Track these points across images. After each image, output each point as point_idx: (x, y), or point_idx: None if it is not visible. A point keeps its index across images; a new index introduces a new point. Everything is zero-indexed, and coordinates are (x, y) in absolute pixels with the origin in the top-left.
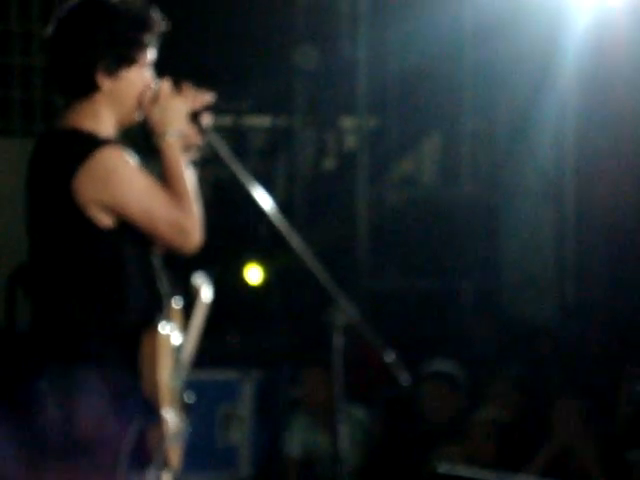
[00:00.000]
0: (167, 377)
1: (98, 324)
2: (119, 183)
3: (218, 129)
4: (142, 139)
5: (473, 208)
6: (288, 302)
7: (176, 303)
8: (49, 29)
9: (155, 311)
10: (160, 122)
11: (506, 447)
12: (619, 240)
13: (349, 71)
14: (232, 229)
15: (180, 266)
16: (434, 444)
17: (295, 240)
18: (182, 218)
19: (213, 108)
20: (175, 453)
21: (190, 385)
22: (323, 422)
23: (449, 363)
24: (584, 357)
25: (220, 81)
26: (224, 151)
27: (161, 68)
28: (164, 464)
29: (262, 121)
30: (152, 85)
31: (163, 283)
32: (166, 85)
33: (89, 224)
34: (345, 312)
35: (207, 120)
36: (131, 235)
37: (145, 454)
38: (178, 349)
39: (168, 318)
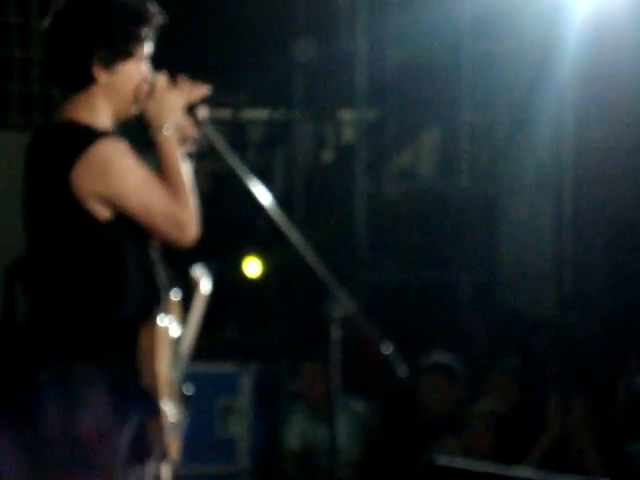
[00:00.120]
0: (166, 369)
1: (96, 317)
2: (117, 175)
3: (216, 122)
4: (139, 132)
5: (471, 201)
6: (287, 295)
7: (174, 295)
8: (46, 22)
9: (153, 303)
10: (156, 115)
11: (505, 439)
12: (617, 232)
13: (347, 64)
14: (231, 222)
15: (179, 259)
16: (433, 436)
17: (294, 233)
18: (178, 211)
19: (211, 101)
20: (174, 445)
21: (189, 378)
22: (322, 415)
23: (448, 355)
24: (583, 349)
25: (218, 74)
26: (220, 144)
27: (159, 61)
28: (163, 456)
29: (260, 114)
30: (149, 78)
31: (161, 276)
32: (162, 78)
33: (87, 217)
34: (343, 305)
35: (203, 113)
36: (129, 228)
37: (144, 446)
38: (177, 341)
39: (166, 310)
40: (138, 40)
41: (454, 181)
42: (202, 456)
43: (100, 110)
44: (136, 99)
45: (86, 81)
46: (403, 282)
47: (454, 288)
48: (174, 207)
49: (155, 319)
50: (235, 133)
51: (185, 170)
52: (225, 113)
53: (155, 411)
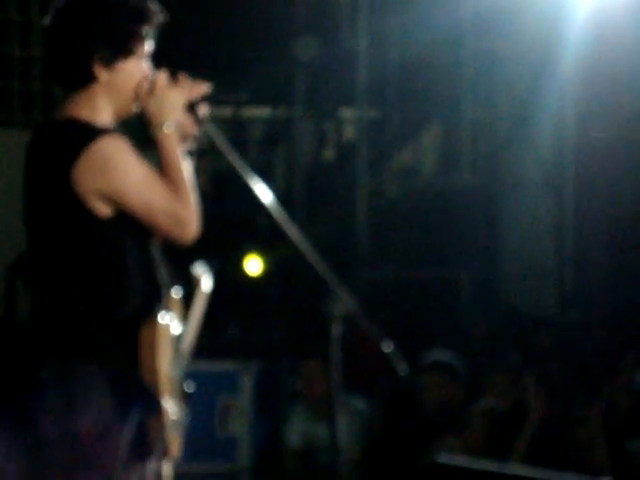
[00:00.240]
0: (167, 367)
1: (97, 314)
2: (118, 172)
3: (217, 120)
4: (140, 130)
5: (473, 198)
6: (288, 293)
7: (175, 293)
8: (47, 20)
9: (154, 301)
10: (157, 113)
11: (505, 437)
12: (618, 229)
13: (349, 62)
14: (231, 220)
15: (180, 257)
16: (433, 434)
17: (294, 231)
18: (179, 209)
19: (212, 99)
20: (175, 442)
21: (190, 376)
22: (322, 413)
23: (448, 353)
24: (583, 346)
25: (219, 72)
26: (221, 142)
27: (160, 59)
28: (164, 453)
29: (262, 112)
30: (149, 76)
31: (162, 273)
32: (162, 76)
33: (88, 214)
34: (343, 303)
35: (204, 111)
36: (130, 225)
37: (145, 444)
38: (178, 339)
39: (167, 308)
40: (139, 38)
41: (455, 179)
42: (203, 454)
43: (101, 108)
44: (137, 97)
45: (87, 79)
46: (404, 280)
47: (455, 286)
48: (175, 204)
49: (156, 316)
50: (236, 131)
51: (186, 168)
52: (226, 111)
53: (156, 409)
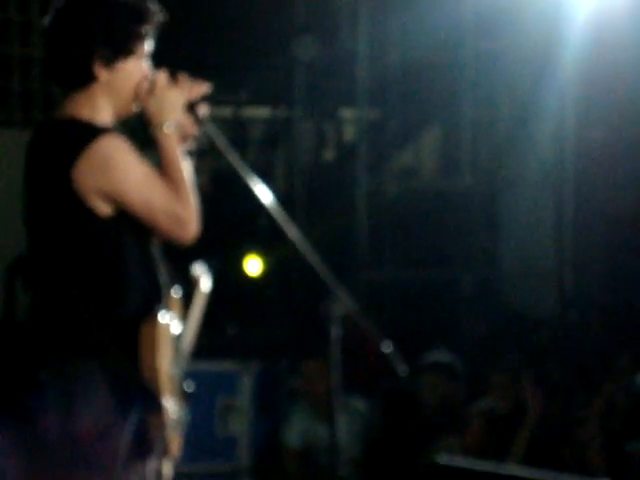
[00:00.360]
0: (167, 366)
1: (98, 314)
2: (118, 171)
3: (217, 120)
4: (140, 130)
5: (473, 199)
6: (287, 293)
7: (175, 293)
8: (47, 20)
9: (154, 301)
10: (157, 113)
11: (504, 438)
12: (618, 230)
13: (349, 62)
14: (231, 220)
15: (180, 256)
16: (433, 435)
17: (294, 231)
18: (179, 208)
19: (212, 99)
20: (175, 441)
21: (189, 376)
22: (322, 413)
23: (447, 353)
24: (583, 347)
25: (219, 72)
26: (221, 142)
27: (160, 59)
28: (165, 452)
29: (261, 112)
30: (149, 76)
31: (162, 273)
32: (162, 76)
33: (88, 213)
34: (343, 303)
35: (204, 111)
36: (130, 225)
37: (146, 443)
38: (178, 338)
39: (167, 307)
40: (139, 38)
41: (455, 180)
42: (202, 454)
43: (101, 108)
44: (137, 97)
45: (87, 79)
46: (404, 280)
47: (455, 287)
48: (175, 204)
49: (156, 316)
50: (236, 131)
51: (186, 167)
52: (226, 111)
53: (156, 408)
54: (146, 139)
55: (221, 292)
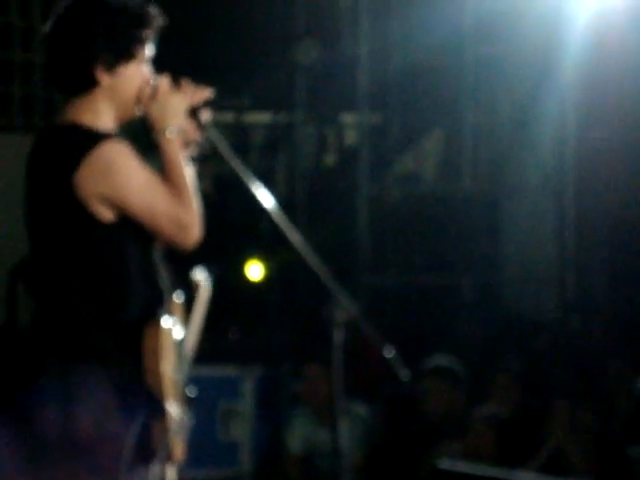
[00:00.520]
0: (170, 371)
1: (100, 319)
2: (120, 176)
3: (219, 125)
4: (142, 135)
5: (474, 204)
6: (289, 298)
7: (177, 298)
8: (48, 26)
9: (156, 305)
10: (159, 118)
11: (507, 443)
12: (620, 234)
13: (350, 67)
14: (233, 225)
15: (181, 261)
16: (435, 440)
17: (296, 236)
18: (182, 213)
19: (213, 104)
20: (179, 446)
21: (191, 381)
22: (324, 418)
23: (449, 358)
24: (585, 352)
25: (221, 77)
26: (223, 147)
27: (161, 64)
28: (168, 457)
29: (263, 117)
30: (151, 81)
31: (164, 278)
32: (165, 81)
33: (90, 218)
34: (345, 308)
35: (206, 116)
36: (132, 230)
37: (149, 447)
38: (180, 343)
39: (170, 312)
40: (140, 42)
41: (456, 184)
42: (204, 459)
43: (102, 113)
44: (139, 101)
45: (89, 84)
46: (405, 285)
47: (456, 291)
48: (177, 209)
49: (159, 321)
50: (237, 136)
51: (188, 172)
52: (227, 116)
53: (160, 413)
54: (148, 144)
55: (223, 297)
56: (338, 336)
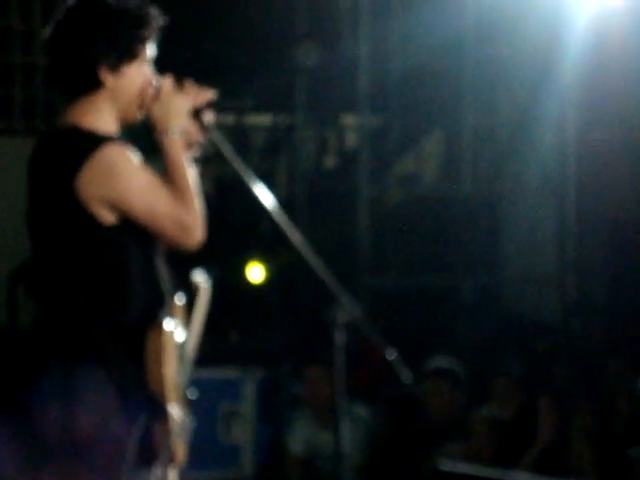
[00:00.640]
0: (172, 373)
1: (102, 321)
2: (121, 179)
3: (219, 127)
4: (145, 137)
5: (474, 205)
6: (289, 300)
7: (179, 300)
8: (48, 31)
9: (158, 308)
10: (162, 118)
11: (507, 444)
12: (620, 236)
13: (350, 69)
14: (234, 227)
15: (182, 264)
16: (436, 441)
17: (297, 238)
18: (184, 214)
19: (215, 106)
20: (181, 449)
21: (192, 383)
22: (325, 420)
23: (450, 360)
24: (585, 353)
25: (221, 79)
26: (226, 149)
27: (162, 66)
28: (170, 459)
29: (263, 119)
30: (153, 81)
31: (165, 280)
32: (168, 82)
33: (92, 221)
34: (347, 309)
35: (209, 117)
36: (134, 232)
37: (151, 450)
38: (182, 346)
39: (171, 314)
40: (141, 42)
41: (457, 186)
42: (206, 461)
43: (105, 115)
44: (142, 102)
45: (93, 85)
46: (406, 287)
47: (456, 293)
48: (179, 210)
49: (161, 323)
50: (238, 138)
51: (191, 174)
52: (228, 118)
53: (162, 415)
54: (150, 147)
55: (223, 299)
56: (340, 337)
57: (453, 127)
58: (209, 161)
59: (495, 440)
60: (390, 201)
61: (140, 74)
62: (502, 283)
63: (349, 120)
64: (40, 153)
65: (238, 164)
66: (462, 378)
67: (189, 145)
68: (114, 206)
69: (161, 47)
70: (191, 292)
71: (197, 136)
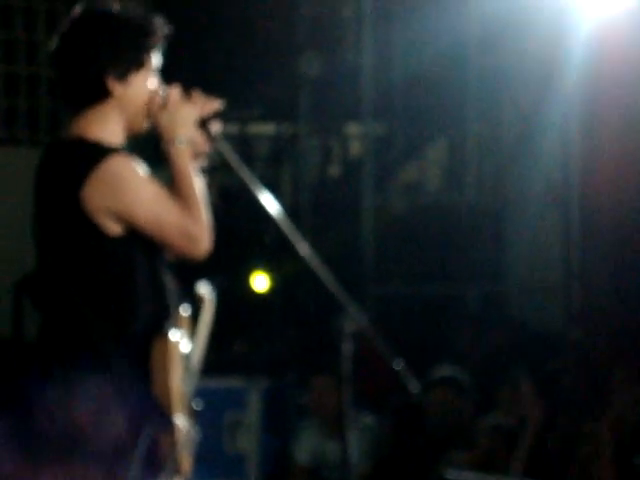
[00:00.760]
0: (179, 383)
1: (108, 332)
2: (127, 190)
3: (224, 137)
4: (151, 148)
5: (478, 214)
6: (294, 309)
7: (184, 311)
8: (54, 43)
9: (163, 319)
10: (169, 127)
11: (513, 453)
12: (625, 245)
13: (354, 78)
14: (238, 237)
15: (187, 274)
16: (442, 450)
17: (302, 247)
18: (191, 224)
19: (219, 116)
20: (186, 460)
21: (197, 393)
22: (331, 429)
23: (454, 369)
24: (590, 361)
25: (225, 89)
26: (233, 159)
27: (166, 77)
28: (176, 471)
29: (267, 129)
30: (159, 90)
31: (172, 291)
32: (175, 91)
33: (98, 232)
34: (355, 319)
35: (216, 127)
36: (140, 243)
37: (157, 461)
38: (187, 356)
39: (177, 325)
40: (147, 50)
41: (461, 194)
42: (211, 472)
43: (112, 124)
44: (149, 111)
45: (101, 95)
46: (409, 296)
47: (460, 301)
48: (186, 220)
49: (167, 334)
50: (242, 148)
51: (197, 183)
52: (232, 128)
53: (168, 426)
54: (156, 158)
55: (228, 308)
56: (347, 347)
57: (457, 136)
58: (214, 171)
59: (500, 448)
60: (394, 210)
61: (147, 83)
62: (506, 292)
63: (353, 129)
64: (46, 164)
65: (245, 174)
66: (467, 387)
67: (196, 155)
68: (120, 217)
69: (166, 58)
70: (196, 303)
71: (204, 146)
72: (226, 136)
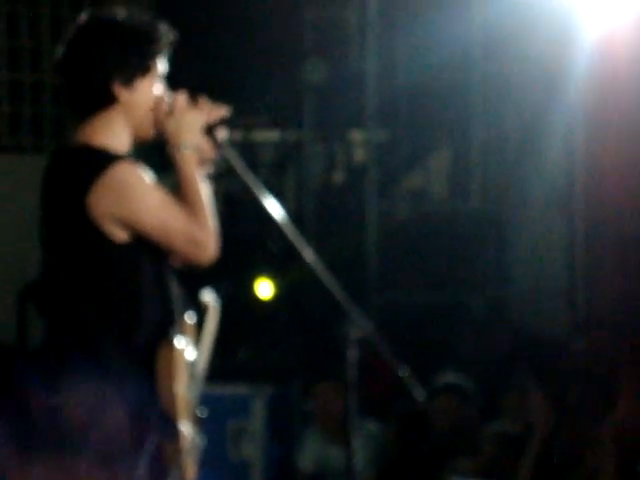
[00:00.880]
0: (184, 391)
1: (113, 339)
2: (133, 197)
3: (229, 143)
4: (157, 155)
5: (482, 221)
6: (299, 316)
7: (189, 318)
8: (60, 50)
9: (169, 325)
10: (175, 133)
11: (518, 460)
12: (630, 251)
13: (358, 84)
14: (242, 243)
15: (191, 280)
16: (446, 457)
17: (307, 254)
18: (197, 231)
19: (224, 123)
20: (191, 467)
21: (201, 400)
22: (336, 436)
23: (459, 375)
24: (596, 369)
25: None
26: (239, 165)
27: (172, 83)
28: (180, 477)
29: (271, 135)
30: (165, 96)
31: (177, 297)
32: (182, 97)
33: (104, 239)
34: (359, 325)
35: (222, 134)
36: (146, 249)
37: (162, 468)
38: (192, 364)
39: (182, 332)
40: (152, 56)
41: (465, 201)
42: (215, 479)
43: (118, 131)
44: (155, 117)
45: (107, 101)
46: (413, 302)
47: (465, 308)
48: (192, 226)
49: (172, 341)
50: (246, 154)
51: (204, 190)
52: (236, 134)
53: (173, 433)
54: (162, 164)
55: (232, 316)
56: (352, 354)
57: (461, 143)
58: (220, 177)
59: (505, 455)
60: (398, 216)
61: (153, 89)
62: (510, 298)
63: (357, 136)
64: (52, 170)
65: (251, 181)
66: (471, 394)
67: (202, 161)
68: (126, 224)
69: (171, 63)
70: (200, 310)
71: (210, 152)
72: (230, 142)
